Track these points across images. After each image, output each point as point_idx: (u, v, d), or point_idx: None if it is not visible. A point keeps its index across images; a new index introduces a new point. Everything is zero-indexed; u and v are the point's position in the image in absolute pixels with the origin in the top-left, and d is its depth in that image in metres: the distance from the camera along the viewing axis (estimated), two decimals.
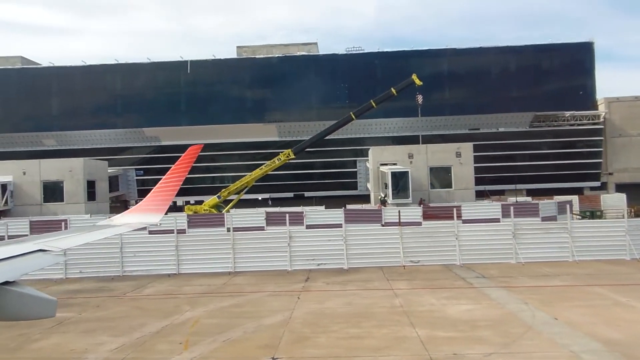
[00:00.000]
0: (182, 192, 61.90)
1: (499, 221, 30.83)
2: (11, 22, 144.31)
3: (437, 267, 22.89)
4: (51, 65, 66.41)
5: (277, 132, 62.33)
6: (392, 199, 37.21)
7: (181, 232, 29.58)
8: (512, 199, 45.95)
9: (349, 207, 36.62)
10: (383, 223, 32.50)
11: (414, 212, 32.62)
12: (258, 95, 64.94)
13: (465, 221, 27.77)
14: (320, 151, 58.99)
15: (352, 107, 55.49)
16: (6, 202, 45.00)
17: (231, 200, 47.81)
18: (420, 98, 46.57)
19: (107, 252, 24.52)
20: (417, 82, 44.99)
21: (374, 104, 45.72)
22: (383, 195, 40.65)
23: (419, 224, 29.72)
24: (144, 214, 9.47)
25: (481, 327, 12.84)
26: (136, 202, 61.53)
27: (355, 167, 63.84)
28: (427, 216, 32.84)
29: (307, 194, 62.60)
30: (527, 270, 21.18)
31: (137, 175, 61.71)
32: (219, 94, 64.80)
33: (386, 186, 40.94)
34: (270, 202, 57.88)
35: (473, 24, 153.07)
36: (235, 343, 12.41)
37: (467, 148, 44.72)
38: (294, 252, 24.32)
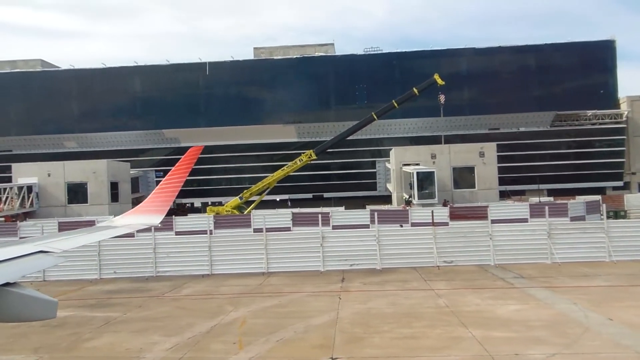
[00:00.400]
0: (200, 194, 62.24)
1: (527, 221, 30.66)
2: (25, 26, 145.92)
3: (472, 268, 22.70)
4: (71, 68, 67.05)
5: (296, 133, 62.39)
6: (418, 199, 37.03)
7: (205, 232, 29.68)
8: (533, 199, 45.59)
9: (372, 207, 36.52)
10: (410, 223, 32.43)
11: (440, 213, 32.50)
12: (276, 97, 65.02)
13: (493, 221, 27.50)
14: (338, 152, 58.97)
15: (370, 107, 55.66)
16: (32, 203, 45.47)
17: (253, 202, 47.92)
18: (442, 98, 46.41)
19: (140, 253, 24.64)
20: (440, 81, 44.81)
21: (395, 104, 45.57)
22: (408, 196, 40.48)
23: (446, 224, 29.60)
24: (145, 215, 9.39)
25: (536, 327, 12.70)
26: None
27: (374, 168, 63.68)
28: (454, 216, 32.69)
29: (326, 194, 62.55)
30: (566, 270, 20.95)
31: (156, 177, 62.02)
32: (237, 95, 65.01)
33: (411, 186, 40.80)
34: (289, 203, 57.90)
35: (483, 24, 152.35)
36: (289, 343, 12.39)
37: (490, 148, 44.51)
38: (327, 253, 24.24)
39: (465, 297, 16.58)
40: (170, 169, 10.12)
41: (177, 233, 32.85)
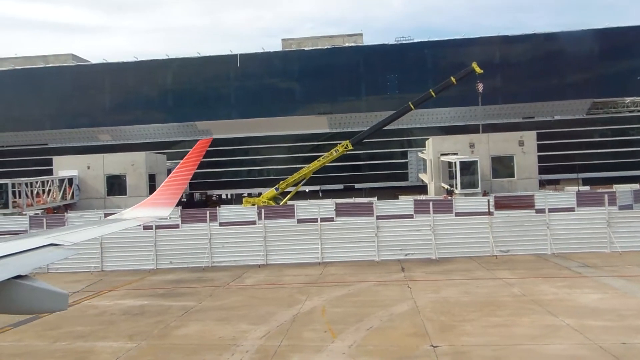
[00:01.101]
0: (229, 185, 62.53)
1: (573, 210, 30.22)
2: (41, 21, 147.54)
3: (530, 257, 22.55)
4: (104, 62, 67.65)
5: (328, 123, 62.25)
6: (461, 189, 36.74)
7: (251, 223, 29.88)
8: (569, 188, 44.98)
9: (416, 197, 36.30)
10: (454, 213, 32.14)
11: (485, 202, 32.17)
12: (307, 87, 64.86)
13: (538, 211, 27.20)
14: (369, 142, 58.60)
15: (402, 97, 55.16)
16: (72, 195, 46.20)
17: (288, 192, 48.04)
18: (481, 86, 45.84)
19: (196, 244, 24.94)
20: (478, 70, 44.22)
21: (433, 94, 45.10)
22: (449, 186, 40.18)
23: (491, 213, 29.32)
24: (154, 208, 9.41)
25: (629, 316, 12.58)
26: (186, 196, 62.03)
27: (405, 158, 63.30)
28: (499, 206, 32.37)
29: (357, 185, 62.44)
30: (630, 259, 20.70)
31: None
32: (268, 87, 64.99)
33: (452, 176, 40.49)
34: (320, 194, 57.97)
35: (502, 12, 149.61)
36: (381, 331, 12.44)
37: (530, 137, 43.90)
38: (381, 243, 24.28)
39: (538, 286, 16.46)
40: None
41: (222, 224, 33.05)
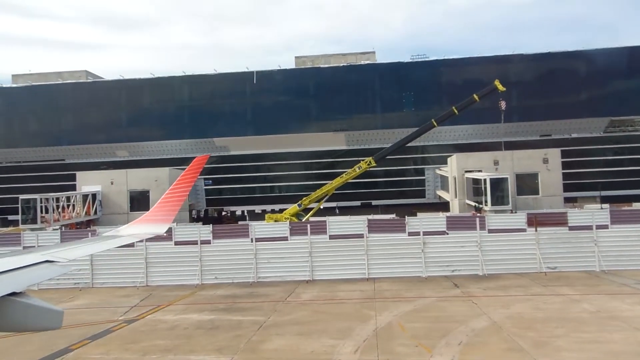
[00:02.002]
0: (246, 202, 62.37)
1: (607, 228, 30.28)
2: (46, 38, 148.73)
3: (580, 274, 22.55)
4: (121, 78, 68.05)
5: (345, 140, 62.49)
6: (492, 205, 36.79)
7: (283, 239, 29.88)
8: (588, 206, 45.12)
9: (447, 214, 36.31)
10: (487, 230, 32.12)
11: (517, 219, 32.21)
12: (323, 104, 65.18)
13: (571, 228, 27.26)
14: (385, 159, 58.79)
15: (418, 114, 55.61)
16: (95, 211, 46.17)
17: (310, 209, 48.07)
18: (503, 104, 46.11)
19: (241, 259, 24.90)
20: (500, 88, 44.68)
21: (455, 111, 45.40)
22: (476, 203, 40.21)
23: (524, 230, 29.35)
24: (150, 224, 9.39)
25: None
26: (202, 212, 61.99)
27: (421, 175, 63.43)
28: (532, 223, 32.44)
29: (374, 202, 62.46)
30: None
31: (205, 185, 62.56)
32: (285, 104, 65.32)
33: (477, 192, 40.60)
34: (337, 211, 57.94)
35: (501, 32, 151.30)
36: (473, 346, 12.40)
37: (554, 154, 44.14)
38: (427, 259, 24.27)
39: (609, 303, 16.45)
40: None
41: (256, 240, 32.96)
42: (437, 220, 34.97)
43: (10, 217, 64.62)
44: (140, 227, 9.30)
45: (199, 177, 62.41)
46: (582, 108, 58.88)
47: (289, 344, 13.32)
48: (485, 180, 38.17)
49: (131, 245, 26.94)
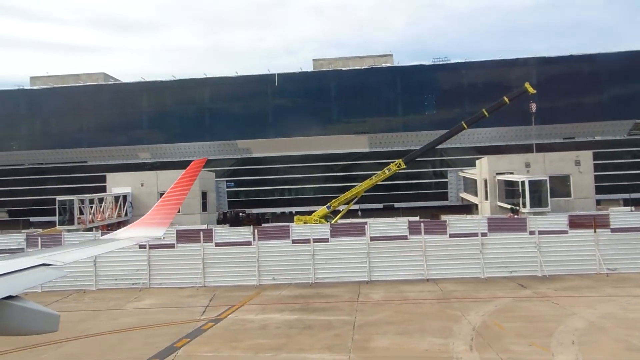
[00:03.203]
0: (264, 204, 62.55)
1: None
2: (45, 41, 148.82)
3: None
4: (142, 80, 68.14)
5: (368, 143, 62.54)
6: (530, 207, 36.81)
7: (323, 240, 29.94)
8: (613, 209, 45.13)
9: (490, 216, 36.29)
10: (528, 232, 32.08)
11: (559, 221, 32.23)
12: (345, 107, 65.25)
13: (614, 230, 27.27)
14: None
15: (440, 117, 55.94)
16: (126, 212, 46.17)
17: (339, 211, 48.10)
18: (534, 106, 46.28)
19: (298, 259, 24.93)
20: (531, 90, 44.84)
21: (486, 113, 45.49)
22: (513, 205, 40.20)
23: (565, 232, 29.37)
24: (147, 228, 9.37)
25: None
26: (224, 214, 62.12)
27: (442, 177, 63.48)
28: (573, 225, 32.46)
29: (396, 204, 62.46)
30: None
31: (227, 187, 62.60)
32: (306, 106, 65.35)
33: (509, 195, 40.71)
34: (360, 213, 57.94)
35: (503, 35, 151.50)
36: (589, 345, 12.44)
37: (586, 156, 44.16)
38: (485, 260, 24.30)
39: None
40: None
41: (294, 241, 32.98)
42: (478, 222, 35.08)
43: (32, 219, 64.71)
44: (137, 231, 9.29)
45: (222, 179, 62.54)
46: (606, 111, 59.01)
47: (396, 343, 13.34)
48: (523, 182, 38.20)
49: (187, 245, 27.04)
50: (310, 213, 48.59)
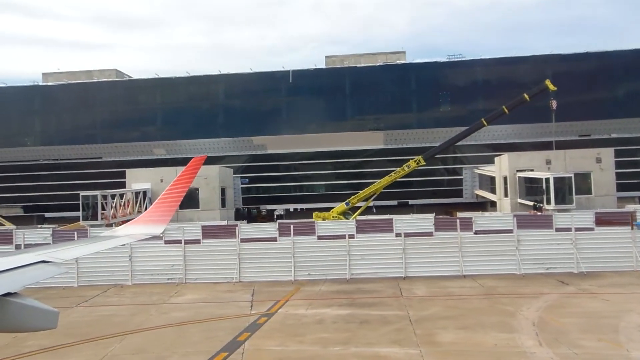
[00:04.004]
0: (278, 200, 62.69)
1: None
2: (47, 37, 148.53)
3: None
4: (156, 77, 68.05)
5: (383, 140, 62.44)
6: (555, 204, 36.79)
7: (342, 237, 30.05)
8: (629, 206, 45.09)
9: (518, 213, 36.20)
10: (555, 229, 32.05)
11: (585, 218, 32.21)
12: (360, 104, 65.09)
13: None
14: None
15: (455, 114, 55.99)
16: (146, 208, 46.16)
17: (358, 208, 48.16)
18: (554, 103, 46.17)
19: (333, 255, 24.93)
20: (551, 87, 44.82)
21: (506, 110, 45.50)
22: (535, 202, 40.14)
23: (592, 229, 29.38)
24: (147, 225, 9.34)
25: None
26: (236, 210, 62.07)
27: (459, 175, 63.34)
28: (599, 222, 32.44)
29: (411, 201, 62.43)
30: None
31: (242, 183, 62.56)
32: (321, 102, 65.24)
33: (535, 191, 40.69)
34: (374, 210, 57.93)
35: (505, 32, 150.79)
36: None
37: (607, 154, 44.12)
38: (522, 256, 24.30)
39: None
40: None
41: (319, 237, 32.97)
42: (505, 219, 35.10)
43: (47, 215, 64.79)
44: (137, 228, 9.30)
45: (236, 175, 62.51)
46: (622, 108, 58.88)
47: (461, 337, 13.36)
48: (548, 179, 38.17)
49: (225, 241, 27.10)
50: (326, 210, 48.62)
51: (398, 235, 31.90)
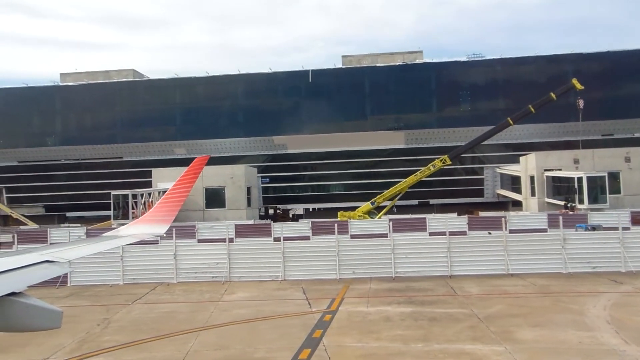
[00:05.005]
0: (298, 200, 62.93)
1: None
2: (53, 38, 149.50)
3: None
4: (176, 77, 68.25)
5: (404, 139, 62.36)
6: (589, 204, 36.66)
7: (383, 235, 30.15)
8: None
9: (551, 213, 36.11)
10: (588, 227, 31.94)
11: (621, 217, 32.03)
12: (380, 103, 65.06)
13: None
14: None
15: (476, 113, 56.25)
16: None
17: (383, 207, 48.18)
18: (581, 102, 46.03)
19: (377, 254, 24.89)
20: (578, 86, 44.79)
21: (532, 109, 45.46)
22: (566, 201, 39.99)
23: (627, 228, 29.28)
24: (150, 225, 9.34)
25: None
26: (261, 209, 62.03)
27: (479, 174, 63.16)
28: (635, 221, 32.33)
29: (431, 201, 62.31)
30: None
31: (262, 183, 62.60)
32: (341, 102, 65.24)
33: (566, 190, 40.61)
34: (395, 210, 57.86)
35: (512, 32, 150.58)
36: None
37: (636, 153, 43.91)
38: (569, 255, 24.17)
39: None
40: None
41: (352, 236, 32.94)
42: (539, 219, 35.05)
43: (68, 214, 65.13)
44: (140, 228, 9.29)
45: (257, 175, 62.50)
46: None
47: (540, 335, 13.30)
48: (581, 178, 38.01)
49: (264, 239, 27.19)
50: (349, 209, 48.66)
51: (431, 234, 31.97)
